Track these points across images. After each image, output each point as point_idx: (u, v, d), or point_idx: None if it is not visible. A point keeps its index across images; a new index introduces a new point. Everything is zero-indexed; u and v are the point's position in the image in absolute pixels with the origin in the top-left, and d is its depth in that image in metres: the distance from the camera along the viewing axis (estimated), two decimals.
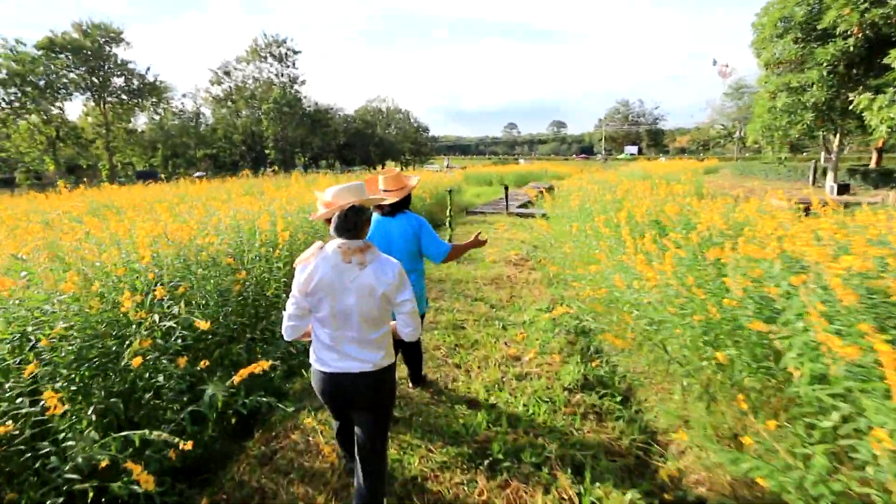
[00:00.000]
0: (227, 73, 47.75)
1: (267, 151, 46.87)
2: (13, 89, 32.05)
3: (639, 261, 2.92)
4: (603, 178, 18.25)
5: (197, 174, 37.62)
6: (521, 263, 6.93)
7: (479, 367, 3.65)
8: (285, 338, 1.87)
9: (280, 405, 2.73)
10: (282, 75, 47.34)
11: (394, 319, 1.96)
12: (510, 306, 5.02)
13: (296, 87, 47.36)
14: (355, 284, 1.75)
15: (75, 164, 38.53)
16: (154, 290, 2.55)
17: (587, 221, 5.49)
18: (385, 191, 2.74)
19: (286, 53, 46.61)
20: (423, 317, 2.94)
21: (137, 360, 2.18)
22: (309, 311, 1.81)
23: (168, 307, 2.68)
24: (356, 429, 1.96)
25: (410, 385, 3.35)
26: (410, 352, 3.21)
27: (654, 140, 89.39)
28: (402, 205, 2.78)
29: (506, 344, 4.06)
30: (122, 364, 2.30)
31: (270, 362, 2.15)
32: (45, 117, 34.41)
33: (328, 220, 1.87)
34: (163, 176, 35.07)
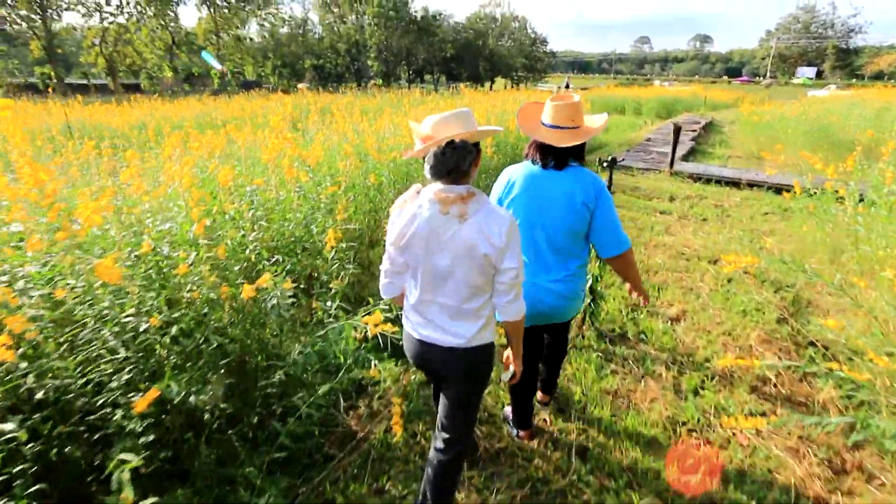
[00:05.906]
0: None
1: (370, 63, 43.91)
2: None
3: None
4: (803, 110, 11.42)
5: (300, 85, 36.34)
6: (794, 387, 2.55)
7: None
8: (382, 296, 1.62)
9: None
10: None
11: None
12: None
13: None
14: (452, 242, 1.37)
15: (189, 72, 39.11)
16: None
17: None
18: (553, 127, 1.73)
19: None
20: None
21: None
22: (406, 266, 1.50)
23: None
24: (441, 399, 1.64)
25: (539, 395, 2.33)
26: (554, 349, 2.17)
27: (842, 60, 69.26)
28: (576, 153, 1.74)
29: None
30: None
31: None
32: (162, 22, 34.59)
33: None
34: (269, 86, 34.29)
